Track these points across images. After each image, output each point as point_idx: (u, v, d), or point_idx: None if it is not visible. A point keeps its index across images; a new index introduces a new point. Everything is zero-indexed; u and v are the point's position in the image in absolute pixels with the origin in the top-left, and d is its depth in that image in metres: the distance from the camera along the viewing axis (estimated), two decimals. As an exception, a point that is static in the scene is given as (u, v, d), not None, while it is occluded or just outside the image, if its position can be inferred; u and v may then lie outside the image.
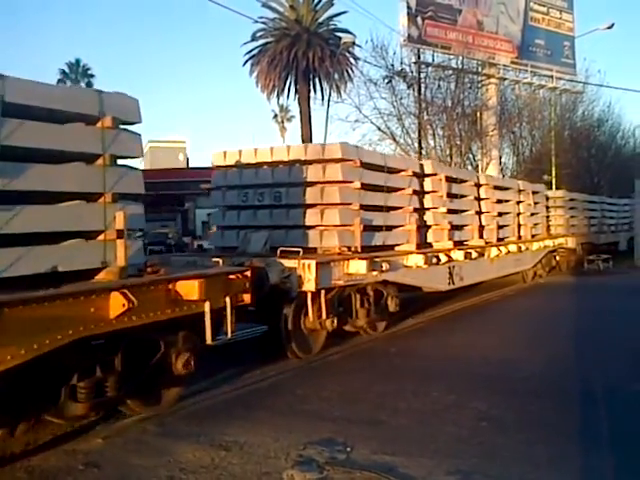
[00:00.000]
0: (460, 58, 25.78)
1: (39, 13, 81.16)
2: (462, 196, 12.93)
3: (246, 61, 35.68)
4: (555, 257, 19.88)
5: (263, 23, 34.70)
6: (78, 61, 53.97)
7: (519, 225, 16.26)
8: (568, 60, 31.93)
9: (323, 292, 8.04)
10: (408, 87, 25.62)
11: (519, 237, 16.08)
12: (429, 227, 11.55)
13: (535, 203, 17.62)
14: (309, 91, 35.00)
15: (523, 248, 15.88)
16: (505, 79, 29.26)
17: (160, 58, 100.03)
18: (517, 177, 27.79)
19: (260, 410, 6.13)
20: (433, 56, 26.06)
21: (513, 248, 14.97)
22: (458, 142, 25.39)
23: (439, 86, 25.32)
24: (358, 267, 8.53)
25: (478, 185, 14.09)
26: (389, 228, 10.28)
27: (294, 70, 34.22)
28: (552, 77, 30.62)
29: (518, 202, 16.33)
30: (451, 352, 8.81)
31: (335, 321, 8.24)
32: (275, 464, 4.75)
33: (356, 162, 9.39)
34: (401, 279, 9.86)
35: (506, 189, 15.74)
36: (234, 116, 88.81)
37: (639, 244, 23.10)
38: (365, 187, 9.58)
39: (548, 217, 20.06)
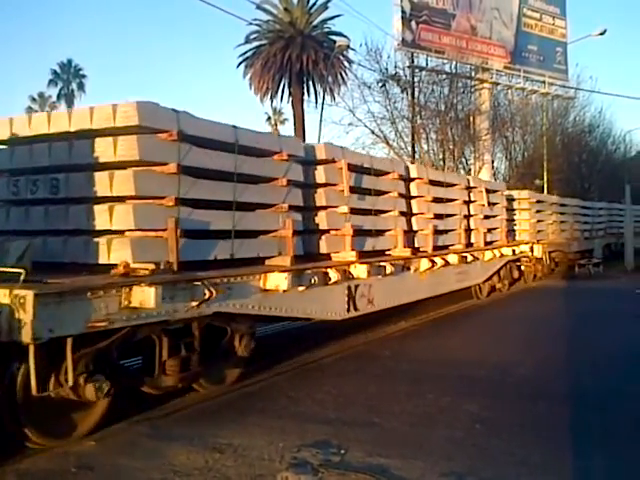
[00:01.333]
0: (454, 63, 25.91)
1: (29, 13, 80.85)
2: (378, 193, 9.93)
3: (240, 63, 35.67)
4: (520, 267, 17.37)
5: (257, 25, 34.68)
6: (70, 61, 53.81)
7: (467, 230, 13.40)
8: (560, 66, 32.16)
9: (69, 341, 4.84)
10: (402, 91, 25.74)
11: (468, 244, 13.26)
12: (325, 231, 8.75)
13: (492, 204, 14.85)
14: (303, 94, 34.98)
15: (470, 259, 12.67)
16: (498, 84, 29.45)
17: (152, 59, 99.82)
18: (509, 181, 27.99)
19: (253, 412, 6.11)
20: (427, 60, 26.23)
21: (454, 259, 11.82)
22: (451, 146, 25.48)
23: (432, 90, 25.43)
24: (144, 297, 5.21)
25: (406, 179, 11.00)
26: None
27: (288, 73, 34.18)
28: (544, 82, 30.84)
29: (467, 202, 13.50)
30: (444, 355, 8.81)
31: (103, 386, 5.18)
32: (269, 466, 4.73)
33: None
34: (251, 309, 6.71)
35: (450, 185, 12.69)
36: (226, 118, 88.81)
37: (629, 249, 23.18)
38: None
39: (513, 221, 18.03)
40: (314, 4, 34.87)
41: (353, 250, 8.65)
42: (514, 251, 16.12)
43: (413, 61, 25.97)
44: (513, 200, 18.17)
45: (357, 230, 8.99)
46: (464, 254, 12.37)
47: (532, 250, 17.82)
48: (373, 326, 10.39)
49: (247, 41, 35.28)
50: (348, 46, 26.88)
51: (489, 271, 14.51)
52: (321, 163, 8.68)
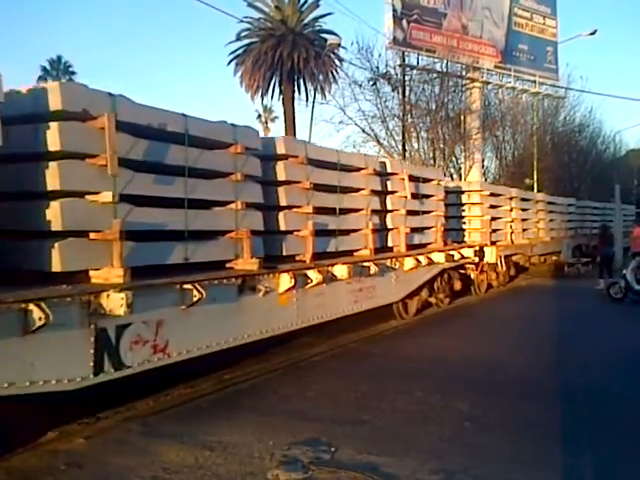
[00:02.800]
0: (444, 61, 25.93)
1: (18, 9, 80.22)
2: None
3: (230, 60, 35.59)
4: (469, 276, 14.76)
5: (248, 23, 34.60)
6: (60, 58, 53.48)
7: (380, 230, 10.39)
8: (551, 65, 32.27)
9: None
10: (393, 89, 25.71)
11: (378, 249, 10.08)
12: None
13: (422, 196, 11.69)
14: (293, 92, 34.92)
15: (374, 270, 9.32)
16: (489, 83, 29.50)
17: (142, 56, 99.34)
18: (500, 180, 28.08)
19: (244, 410, 6.11)
20: (418, 59, 26.20)
21: (342, 271, 8.42)
22: (442, 145, 25.52)
23: (423, 89, 25.41)
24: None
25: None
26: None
27: (279, 71, 34.12)
28: (535, 82, 30.94)
29: (381, 193, 10.46)
30: (433, 353, 8.84)
31: None
32: (260, 464, 4.73)
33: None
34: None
35: (350, 170, 9.54)
36: (217, 115, 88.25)
37: (619, 249, 23.18)
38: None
39: (462, 219, 15.68)
40: (305, 2, 34.84)
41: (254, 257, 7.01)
42: (452, 257, 12.77)
43: (404, 60, 25.94)
44: (462, 193, 15.85)
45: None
46: (364, 263, 9.17)
47: (483, 254, 14.89)
48: (363, 325, 10.40)
49: (238, 38, 35.21)
50: (339, 44, 26.83)
51: (412, 284, 11.16)
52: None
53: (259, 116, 56.69)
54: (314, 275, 7.82)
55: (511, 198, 18.06)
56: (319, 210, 8.57)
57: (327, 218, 8.87)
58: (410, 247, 11.06)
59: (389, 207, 10.69)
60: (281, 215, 8.04)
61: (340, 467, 4.64)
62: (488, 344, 9.54)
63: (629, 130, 67.10)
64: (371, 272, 9.27)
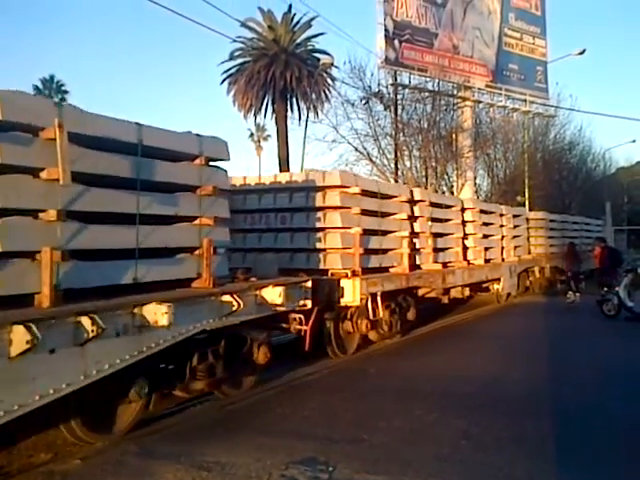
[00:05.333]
0: (436, 81, 26.18)
1: (10, 29, 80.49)
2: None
3: (224, 80, 35.82)
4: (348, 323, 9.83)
5: (241, 42, 34.88)
6: (52, 77, 53.65)
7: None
8: (541, 84, 32.62)
9: None
10: (385, 108, 25.92)
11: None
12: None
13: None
14: (286, 110, 35.15)
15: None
16: (480, 102, 29.78)
17: (135, 75, 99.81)
18: (491, 198, 28.23)
19: (241, 430, 6.10)
20: (410, 78, 26.43)
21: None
22: (434, 164, 25.67)
23: (415, 108, 25.62)
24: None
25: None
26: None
27: (271, 89, 34.36)
28: (525, 101, 31.25)
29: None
30: (429, 372, 8.84)
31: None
32: (257, 484, 4.72)
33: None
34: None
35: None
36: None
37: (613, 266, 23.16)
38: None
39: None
40: (298, 22, 35.17)
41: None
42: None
43: (396, 79, 26.18)
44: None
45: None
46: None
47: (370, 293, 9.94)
48: (361, 342, 10.39)
49: (231, 58, 35.49)
50: (332, 64, 27.05)
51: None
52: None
53: (251, 135, 56.99)
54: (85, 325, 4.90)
55: (463, 209, 14.82)
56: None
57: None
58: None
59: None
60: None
61: (338, 487, 4.64)
62: (483, 362, 9.56)
63: (618, 148, 67.61)
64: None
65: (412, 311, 11.56)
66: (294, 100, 35.33)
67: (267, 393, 7.59)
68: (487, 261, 16.03)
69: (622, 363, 9.38)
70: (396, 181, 24.04)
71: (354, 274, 9.50)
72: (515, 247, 18.78)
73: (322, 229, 9.86)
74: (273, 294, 7.26)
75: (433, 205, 13.04)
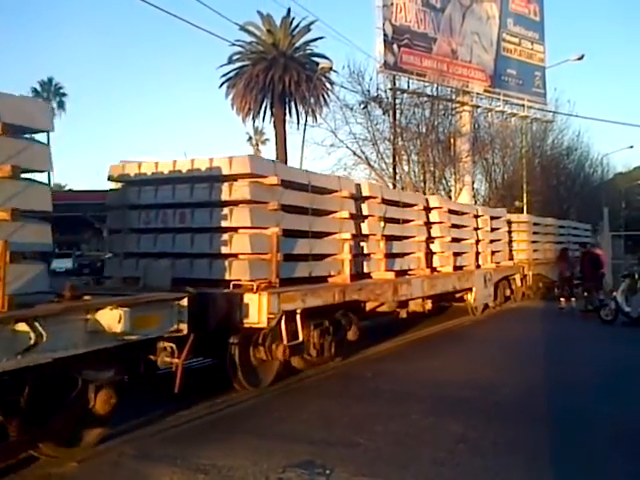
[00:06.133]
0: (435, 85, 26.25)
1: (9, 31, 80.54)
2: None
3: (222, 83, 35.89)
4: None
5: (240, 46, 34.96)
6: (51, 80, 53.74)
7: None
8: (539, 90, 32.75)
9: None
10: (383, 113, 25.98)
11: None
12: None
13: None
14: (285, 115, 35.23)
15: None
16: (478, 107, 29.87)
17: (134, 79, 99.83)
18: (489, 203, 28.27)
19: (238, 433, 6.09)
20: (408, 83, 26.51)
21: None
22: (432, 168, 25.71)
23: (414, 112, 25.69)
24: None
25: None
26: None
27: (270, 93, 34.44)
28: (523, 106, 31.38)
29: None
30: (425, 376, 8.83)
31: None
32: (254, 487, 4.72)
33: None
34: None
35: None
36: (207, 138, 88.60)
37: (608, 272, 23.09)
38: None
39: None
40: (297, 26, 35.26)
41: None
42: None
43: (395, 83, 26.27)
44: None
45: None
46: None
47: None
48: (353, 347, 10.40)
49: (230, 62, 35.58)
50: (331, 68, 27.10)
51: None
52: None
53: (250, 138, 57.02)
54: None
55: (428, 209, 13.01)
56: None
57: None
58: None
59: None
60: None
61: (335, 490, 4.64)
62: (480, 366, 9.55)
63: (616, 153, 67.87)
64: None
65: (354, 330, 9.49)
66: (293, 104, 35.45)
67: (264, 396, 7.58)
68: (458, 268, 14.08)
69: (618, 367, 9.40)
70: (394, 186, 24.03)
71: (267, 286, 7.49)
72: (493, 252, 16.76)
73: (229, 229, 7.85)
74: (111, 319, 5.06)
75: (387, 203, 11.02)
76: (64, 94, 54.81)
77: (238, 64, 35.73)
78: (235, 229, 7.81)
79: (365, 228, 10.34)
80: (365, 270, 10.31)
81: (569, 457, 5.43)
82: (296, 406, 7.08)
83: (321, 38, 34.51)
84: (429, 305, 12.46)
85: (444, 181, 27.47)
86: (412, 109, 25.79)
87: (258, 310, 7.13)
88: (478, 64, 29.60)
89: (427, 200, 13.30)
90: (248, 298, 7.19)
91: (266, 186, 8.05)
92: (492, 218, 16.92)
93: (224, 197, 7.83)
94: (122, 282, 7.76)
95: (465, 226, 14.75)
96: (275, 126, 35.64)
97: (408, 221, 11.96)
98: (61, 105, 54.68)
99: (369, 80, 25.59)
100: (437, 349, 11.38)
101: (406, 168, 25.57)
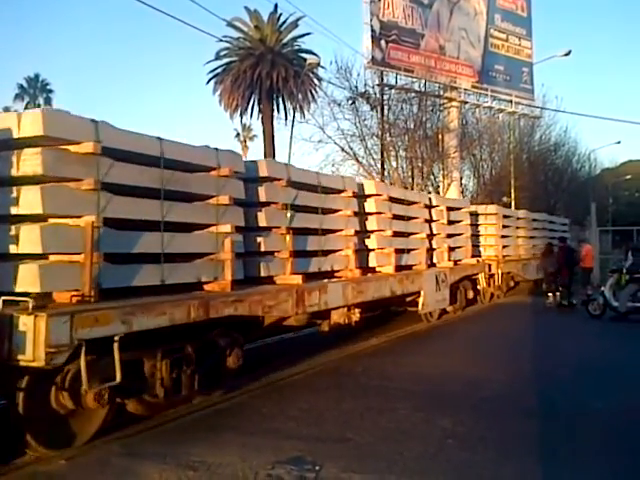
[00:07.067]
0: (422, 81, 26.29)
1: (-2, 27, 79.76)
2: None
3: (210, 79, 35.74)
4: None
5: (227, 42, 34.82)
6: (37, 76, 53.27)
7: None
8: (526, 85, 32.86)
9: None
10: (371, 109, 25.99)
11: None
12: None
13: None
14: (273, 110, 35.14)
15: None
16: (466, 103, 29.94)
17: (121, 75, 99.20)
18: (477, 198, 28.36)
19: (227, 430, 6.06)
20: (396, 78, 26.53)
21: None
22: (420, 164, 25.75)
23: (402, 108, 25.73)
24: None
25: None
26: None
27: (258, 89, 34.33)
28: (511, 102, 31.47)
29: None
30: (416, 371, 8.84)
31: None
32: (244, 484, 4.70)
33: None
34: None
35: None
36: (195, 134, 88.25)
37: (596, 266, 23.23)
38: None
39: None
40: (284, 22, 35.16)
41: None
42: None
43: (382, 79, 26.27)
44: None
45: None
46: None
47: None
48: (343, 343, 10.40)
49: (217, 58, 35.42)
50: (318, 64, 27.07)
51: None
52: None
53: (237, 135, 56.78)
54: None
55: (361, 196, 10.73)
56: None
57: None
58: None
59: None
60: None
61: (324, 486, 4.63)
62: (468, 361, 9.58)
63: (604, 149, 68.26)
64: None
65: (235, 355, 7.14)
66: (280, 100, 35.36)
67: (253, 393, 7.56)
68: (404, 268, 11.83)
69: (606, 362, 9.45)
70: (383, 182, 24.03)
71: (59, 304, 5.33)
72: (451, 249, 14.31)
73: (17, 218, 5.48)
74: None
75: (297, 186, 8.63)
76: (51, 90, 54.37)
77: (226, 60, 35.58)
78: (24, 218, 5.45)
79: (262, 219, 8.02)
80: (264, 273, 8.05)
81: (557, 451, 5.45)
82: (285, 402, 7.06)
83: (309, 34, 34.47)
84: (356, 316, 9.62)
85: (432, 177, 27.53)
86: (400, 105, 25.83)
87: (33, 341, 4.76)
88: (466, 60, 29.66)
89: (361, 186, 10.96)
90: (22, 322, 4.82)
91: (77, 156, 5.56)
92: (450, 209, 14.45)
93: (13, 172, 5.44)
94: None
95: (413, 218, 12.44)
96: (263, 122, 35.54)
97: (331, 211, 9.56)
98: (48, 102, 54.23)
99: (357, 76, 25.65)
100: (428, 345, 11.38)
101: (394, 164, 25.63)
